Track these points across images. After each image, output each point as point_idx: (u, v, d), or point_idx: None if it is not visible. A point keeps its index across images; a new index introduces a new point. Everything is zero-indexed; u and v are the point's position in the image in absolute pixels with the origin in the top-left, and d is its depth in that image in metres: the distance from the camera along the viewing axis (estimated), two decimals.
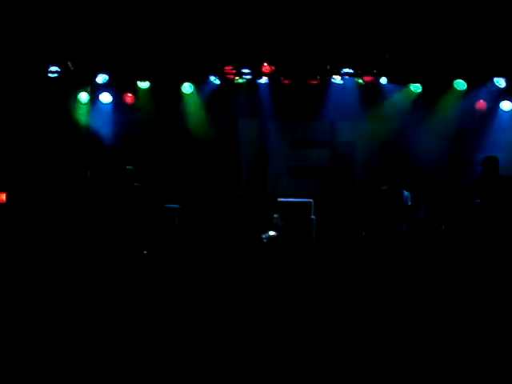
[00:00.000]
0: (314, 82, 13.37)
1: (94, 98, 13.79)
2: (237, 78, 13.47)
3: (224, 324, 6.91)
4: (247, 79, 13.55)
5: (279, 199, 13.39)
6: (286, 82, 13.58)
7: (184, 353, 6.03)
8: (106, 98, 13.69)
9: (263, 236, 12.30)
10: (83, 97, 13.65)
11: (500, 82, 12.98)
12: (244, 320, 7.01)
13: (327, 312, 7.45)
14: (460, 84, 13.16)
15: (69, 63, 13.10)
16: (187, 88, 13.62)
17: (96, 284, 8.70)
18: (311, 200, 13.38)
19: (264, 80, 13.49)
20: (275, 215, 13.02)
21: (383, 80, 13.12)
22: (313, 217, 13.12)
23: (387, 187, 11.90)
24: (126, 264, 10.25)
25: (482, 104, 13.45)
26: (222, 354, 5.96)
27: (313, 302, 7.80)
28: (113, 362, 5.69)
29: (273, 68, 13.13)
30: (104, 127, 13.81)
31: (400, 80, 13.25)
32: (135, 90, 13.71)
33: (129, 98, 13.83)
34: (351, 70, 13.02)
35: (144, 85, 13.55)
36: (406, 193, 11.83)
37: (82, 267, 9.93)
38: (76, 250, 11.04)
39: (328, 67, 12.91)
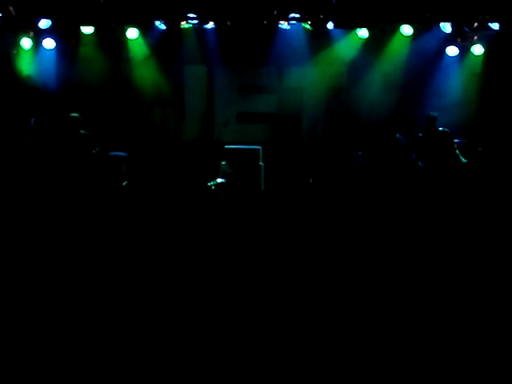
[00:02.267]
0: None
1: (37, 44, 13.47)
2: (183, 23, 13.24)
3: (174, 283, 6.93)
4: (194, 24, 13.33)
5: (226, 146, 13.38)
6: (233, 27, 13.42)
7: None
8: (49, 43, 13.38)
9: (211, 183, 12.30)
10: (26, 43, 13.32)
11: (446, 27, 13.00)
12: (194, 277, 7.03)
13: (278, 264, 7.49)
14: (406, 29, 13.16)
15: (10, 8, 12.75)
16: (132, 33, 13.36)
17: (41, 234, 8.61)
18: (259, 147, 13.40)
19: (211, 25, 13.31)
20: (222, 162, 13.02)
21: (330, 25, 13.04)
22: (261, 163, 13.14)
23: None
24: (72, 212, 10.14)
25: None
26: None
27: (262, 254, 7.83)
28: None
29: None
30: (48, 74, 13.54)
31: (347, 25, 13.18)
32: (79, 36, 13.39)
33: (73, 42, 13.55)
34: (298, 15, 12.89)
35: (88, 30, 13.24)
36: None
37: (28, 215, 9.81)
38: (22, 199, 10.90)
39: (275, 12, 12.77)
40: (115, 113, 13.75)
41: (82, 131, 11.90)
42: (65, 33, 13.31)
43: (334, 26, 13.07)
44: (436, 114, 12.06)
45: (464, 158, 11.84)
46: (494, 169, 11.61)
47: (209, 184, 12.23)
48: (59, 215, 9.75)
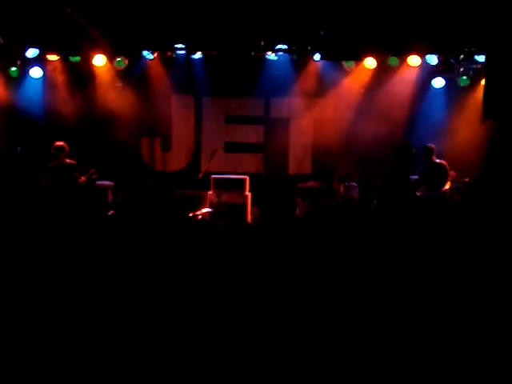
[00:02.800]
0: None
1: (24, 73, 13.48)
2: (171, 53, 13.29)
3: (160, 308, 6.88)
4: (181, 54, 13.38)
5: (214, 176, 13.39)
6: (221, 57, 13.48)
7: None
8: (36, 72, 13.39)
9: (197, 213, 12.28)
10: (14, 71, 13.34)
11: (432, 59, 13.10)
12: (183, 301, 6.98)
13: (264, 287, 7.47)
14: (393, 61, 13.24)
15: None
16: (121, 63, 13.39)
17: (28, 259, 8.54)
18: (246, 176, 13.42)
19: (198, 56, 13.36)
20: (210, 192, 13.02)
21: (317, 56, 13.12)
22: (248, 193, 13.16)
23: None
24: (58, 240, 10.07)
25: None
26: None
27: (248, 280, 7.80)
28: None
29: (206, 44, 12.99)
30: (35, 102, 13.55)
31: (333, 56, 13.25)
32: (66, 65, 13.40)
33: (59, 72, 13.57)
34: (285, 46, 12.97)
35: (75, 60, 13.25)
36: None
37: (14, 243, 9.73)
38: (8, 227, 10.82)
39: (262, 43, 12.84)
40: (102, 142, 13.73)
41: (68, 160, 11.84)
42: (52, 62, 13.30)
43: (321, 58, 13.12)
44: (432, 145, 12.06)
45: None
46: (484, 201, 11.67)
47: (196, 213, 12.22)
48: (46, 243, 9.68)
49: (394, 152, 11.28)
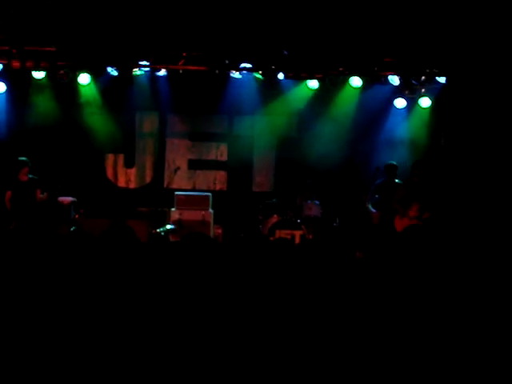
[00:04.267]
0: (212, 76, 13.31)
1: None
2: (135, 69, 13.26)
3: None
4: (146, 71, 13.37)
5: (177, 193, 13.39)
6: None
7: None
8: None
9: (160, 230, 12.27)
10: None
11: (394, 80, 13.24)
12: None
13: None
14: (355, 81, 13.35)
15: None
16: (84, 79, 13.31)
17: None
18: (209, 194, 13.45)
19: (163, 72, 13.35)
20: (172, 209, 13.02)
21: (280, 75, 13.19)
22: (211, 210, 13.17)
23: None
24: (19, 257, 9.96)
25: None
26: None
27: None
28: None
29: (170, 61, 13.00)
30: None
31: (297, 76, 13.34)
32: (30, 80, 13.29)
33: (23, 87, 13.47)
34: (249, 65, 13.03)
35: (39, 75, 13.14)
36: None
37: None
38: None
39: (226, 62, 12.89)
40: (66, 157, 13.66)
41: (30, 175, 11.77)
42: (15, 77, 13.19)
43: (285, 77, 13.19)
44: (395, 163, 12.16)
45: None
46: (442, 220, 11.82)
47: (158, 230, 12.20)
48: (5, 262, 9.57)
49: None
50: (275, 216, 12.94)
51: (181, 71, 13.18)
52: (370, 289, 8.61)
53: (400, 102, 13.62)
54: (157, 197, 13.46)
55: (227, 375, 5.65)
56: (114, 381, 5.41)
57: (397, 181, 11.90)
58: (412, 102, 13.61)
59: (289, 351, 6.23)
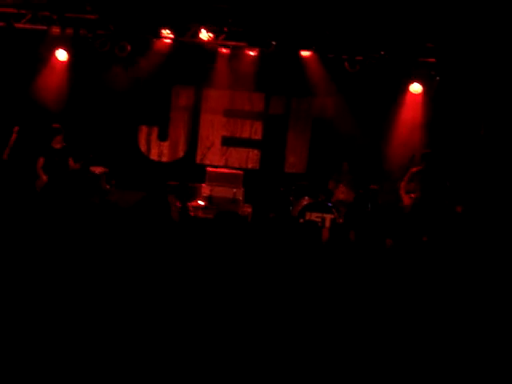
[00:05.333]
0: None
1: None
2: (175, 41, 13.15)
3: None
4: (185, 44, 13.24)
5: (208, 168, 13.33)
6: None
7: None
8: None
9: (191, 206, 12.23)
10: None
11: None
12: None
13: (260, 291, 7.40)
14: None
15: None
16: (122, 48, 13.21)
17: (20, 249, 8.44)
18: (241, 171, 13.38)
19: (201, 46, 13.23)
20: (204, 185, 12.97)
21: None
22: (242, 188, 13.11)
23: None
24: (51, 227, 9.97)
25: None
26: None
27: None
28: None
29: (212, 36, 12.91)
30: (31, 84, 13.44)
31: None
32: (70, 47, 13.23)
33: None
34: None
35: (62, 55, 13.13)
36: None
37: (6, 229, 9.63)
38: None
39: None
40: (100, 127, 13.65)
41: (63, 143, 11.76)
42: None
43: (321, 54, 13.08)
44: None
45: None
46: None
47: (189, 206, 12.16)
48: (39, 230, 9.58)
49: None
50: (306, 198, 12.85)
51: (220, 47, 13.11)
52: (397, 278, 8.51)
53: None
54: (189, 171, 13.40)
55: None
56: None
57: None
58: None
59: (315, 336, 6.18)
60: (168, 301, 6.68)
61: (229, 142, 14.28)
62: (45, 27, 12.78)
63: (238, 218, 9.57)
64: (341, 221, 12.47)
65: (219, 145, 14.28)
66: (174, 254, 8.41)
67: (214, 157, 14.22)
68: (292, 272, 8.20)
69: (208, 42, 13.00)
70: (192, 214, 12.16)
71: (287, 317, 6.52)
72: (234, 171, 13.45)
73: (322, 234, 10.86)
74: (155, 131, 14.28)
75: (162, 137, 14.29)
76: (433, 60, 12.86)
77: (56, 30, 12.68)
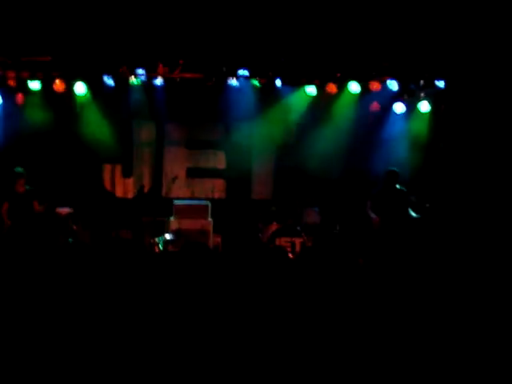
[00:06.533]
0: (210, 84, 13.20)
1: None
2: (131, 78, 13.15)
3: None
4: (142, 80, 13.27)
5: (175, 201, 13.29)
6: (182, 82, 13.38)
7: None
8: None
9: (158, 240, 12.15)
10: None
11: (393, 85, 13.15)
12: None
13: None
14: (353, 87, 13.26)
15: None
16: (80, 88, 13.21)
17: None
18: (208, 202, 13.34)
19: (159, 81, 13.25)
20: (171, 218, 12.92)
21: (278, 82, 13.09)
22: (210, 219, 13.06)
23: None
24: (17, 270, 9.88)
25: (375, 106, 13.69)
26: None
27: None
28: None
29: (166, 69, 12.93)
30: None
31: (295, 82, 13.28)
32: (26, 90, 13.18)
33: (19, 97, 13.36)
34: (247, 72, 12.94)
35: (34, 85, 13.04)
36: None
37: None
38: None
39: (224, 69, 12.82)
40: (63, 168, 13.55)
41: (27, 187, 11.66)
42: (11, 87, 13.08)
43: (282, 83, 13.10)
44: (396, 169, 12.04)
45: (415, 213, 11.88)
46: (443, 224, 11.79)
47: (157, 240, 12.08)
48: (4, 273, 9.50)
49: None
50: (275, 223, 12.86)
51: (178, 79, 13.11)
52: (372, 294, 8.53)
53: (399, 107, 13.53)
54: (155, 206, 13.33)
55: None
56: None
57: (398, 187, 11.79)
58: (411, 107, 13.51)
59: (289, 358, 6.14)
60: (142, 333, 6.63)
61: (193, 173, 14.25)
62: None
63: (203, 247, 9.58)
64: (310, 244, 12.49)
65: (184, 177, 14.23)
66: (143, 286, 8.36)
67: (180, 189, 14.17)
68: (265, 297, 8.18)
69: (165, 76, 13.02)
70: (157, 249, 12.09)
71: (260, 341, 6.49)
72: (200, 203, 13.41)
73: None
74: (119, 168, 14.22)
75: (126, 173, 14.23)
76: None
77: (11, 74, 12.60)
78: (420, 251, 11.09)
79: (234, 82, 13.17)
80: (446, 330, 6.77)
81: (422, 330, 6.89)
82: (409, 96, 13.38)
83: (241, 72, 12.97)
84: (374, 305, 8.08)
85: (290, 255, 11.79)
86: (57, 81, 12.85)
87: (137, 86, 13.31)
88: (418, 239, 11.53)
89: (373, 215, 11.72)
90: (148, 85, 13.34)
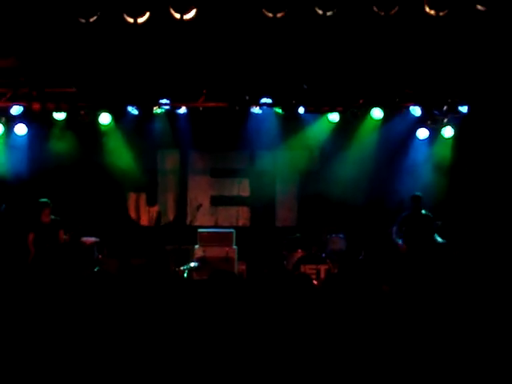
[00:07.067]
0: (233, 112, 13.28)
1: (9, 130, 13.43)
2: (155, 108, 13.27)
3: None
4: (166, 109, 13.38)
5: (200, 230, 13.31)
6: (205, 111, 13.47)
7: None
8: (21, 129, 13.32)
9: (184, 267, 12.16)
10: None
11: (416, 111, 13.15)
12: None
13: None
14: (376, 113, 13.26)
15: None
16: (105, 118, 13.35)
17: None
18: (233, 230, 13.36)
19: (183, 110, 13.36)
20: (196, 246, 12.94)
21: (301, 110, 13.12)
22: (235, 247, 13.07)
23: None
24: (43, 300, 9.91)
25: None
26: None
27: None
28: None
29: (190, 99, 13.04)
30: (19, 159, 13.47)
31: (317, 109, 13.31)
32: (51, 121, 13.33)
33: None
34: (269, 100, 12.99)
35: (60, 116, 13.18)
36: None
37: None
38: None
39: (247, 97, 12.88)
40: (88, 197, 13.64)
41: (52, 217, 11.76)
42: (36, 119, 13.22)
43: (305, 111, 13.13)
44: (420, 194, 12.03)
45: (440, 238, 11.83)
46: (470, 248, 11.73)
47: (182, 268, 12.09)
48: (30, 304, 9.51)
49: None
50: (299, 251, 12.84)
51: (201, 108, 13.22)
52: (396, 322, 8.46)
53: (422, 133, 13.51)
54: (180, 234, 13.36)
55: None
56: None
57: (423, 212, 11.75)
58: (435, 133, 13.48)
59: None
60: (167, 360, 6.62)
61: (217, 201, 14.29)
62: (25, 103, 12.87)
63: (232, 276, 9.54)
64: (335, 271, 12.44)
65: (208, 205, 14.27)
66: (173, 317, 8.35)
67: (204, 217, 14.20)
68: (291, 326, 8.13)
69: (188, 106, 13.13)
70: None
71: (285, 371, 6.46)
72: (224, 230, 13.43)
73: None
74: (143, 197, 14.30)
75: (151, 202, 14.30)
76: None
77: (36, 105, 12.73)
78: (446, 277, 11.01)
79: (257, 110, 13.24)
80: (472, 359, 6.71)
81: (449, 360, 6.84)
82: (432, 122, 13.34)
83: (264, 100, 13.03)
84: (399, 332, 8.02)
85: (315, 282, 11.73)
86: (81, 111, 12.98)
87: (160, 114, 13.44)
88: (444, 264, 11.46)
89: (399, 242, 11.68)
90: (172, 113, 13.47)
